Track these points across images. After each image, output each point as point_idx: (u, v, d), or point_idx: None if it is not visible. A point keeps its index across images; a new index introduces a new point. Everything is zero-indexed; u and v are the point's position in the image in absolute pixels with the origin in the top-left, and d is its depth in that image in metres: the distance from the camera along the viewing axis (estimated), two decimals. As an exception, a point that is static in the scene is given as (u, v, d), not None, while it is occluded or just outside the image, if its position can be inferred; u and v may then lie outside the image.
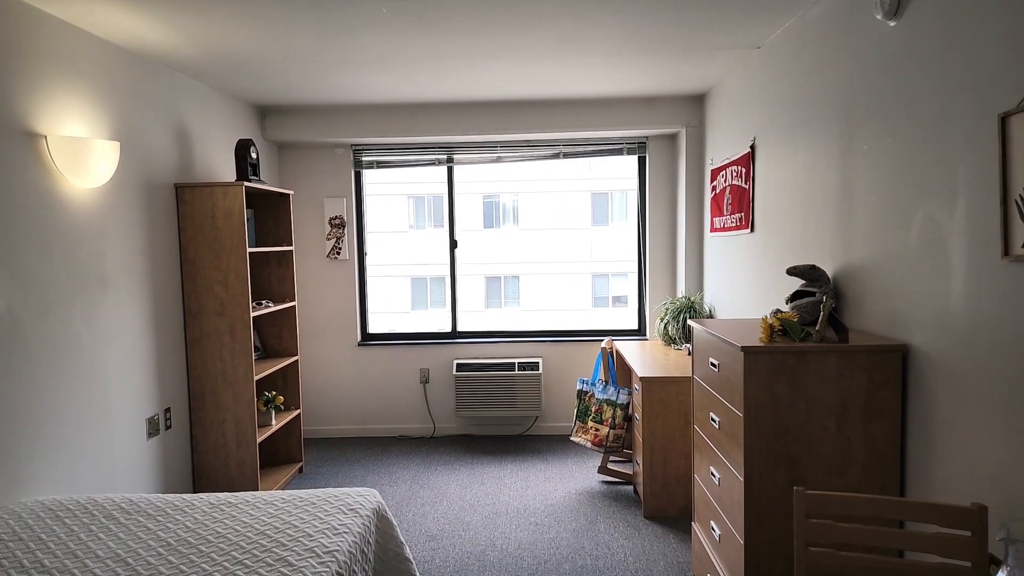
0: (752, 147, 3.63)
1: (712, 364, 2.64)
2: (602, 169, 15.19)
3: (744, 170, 3.76)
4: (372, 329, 5.42)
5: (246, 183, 3.73)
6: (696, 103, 4.71)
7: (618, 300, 15.35)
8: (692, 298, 4.53)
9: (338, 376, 5.27)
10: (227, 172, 4.29)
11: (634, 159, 5.18)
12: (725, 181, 4.11)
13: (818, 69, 2.85)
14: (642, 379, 3.62)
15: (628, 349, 4.43)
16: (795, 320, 2.42)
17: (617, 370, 4.53)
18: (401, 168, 5.22)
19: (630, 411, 4.07)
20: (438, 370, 5.24)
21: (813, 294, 2.73)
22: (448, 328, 5.36)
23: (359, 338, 5.28)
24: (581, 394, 4.27)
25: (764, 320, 2.37)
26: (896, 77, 2.26)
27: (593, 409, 4.16)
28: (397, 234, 14.75)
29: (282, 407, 4.22)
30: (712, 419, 2.66)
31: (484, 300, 15.39)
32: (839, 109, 2.67)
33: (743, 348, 2.25)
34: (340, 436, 5.30)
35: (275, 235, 4.42)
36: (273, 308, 4.13)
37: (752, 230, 3.66)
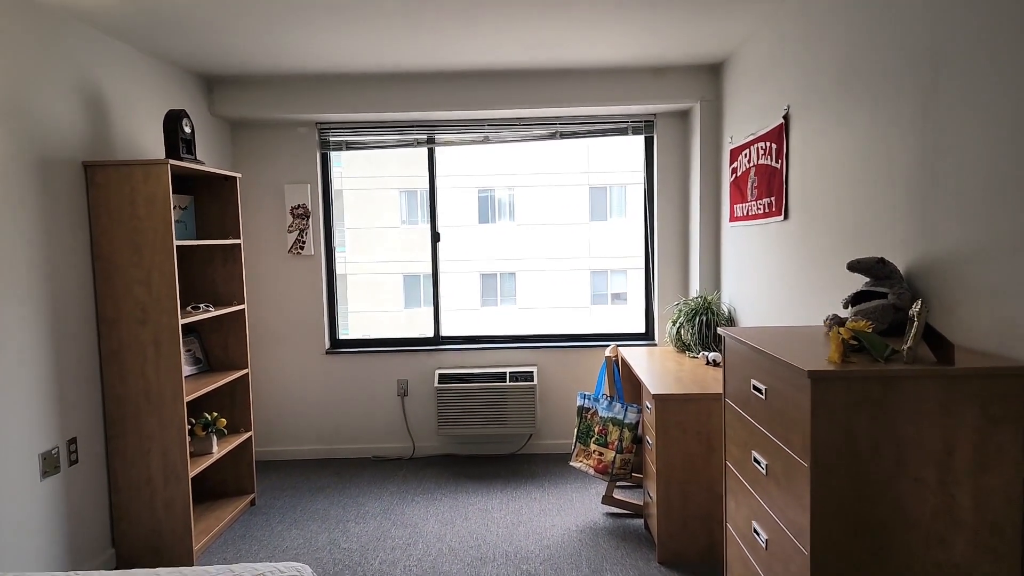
0: (785, 118, 2.99)
1: (756, 389, 2.00)
2: (601, 162, 14.58)
3: (774, 146, 3.12)
4: (343, 335, 4.77)
5: (174, 161, 3.07)
6: (711, 73, 4.06)
7: (617, 297, 14.75)
8: (709, 298, 3.89)
9: (302, 389, 4.62)
10: (158, 152, 3.63)
11: (640, 140, 4.54)
12: (749, 161, 3.46)
13: (885, 7, 2.20)
14: (655, 396, 2.98)
15: (636, 357, 3.78)
16: (869, 330, 1.78)
17: (624, 382, 3.88)
18: (374, 150, 4.57)
19: (640, 432, 3.43)
20: (418, 381, 4.59)
21: (883, 295, 2.09)
22: (430, 333, 4.71)
23: (327, 345, 4.63)
24: (582, 411, 3.62)
25: (834, 333, 1.72)
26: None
27: (596, 429, 3.52)
28: (388, 229, 14.13)
29: (225, 431, 3.56)
30: (756, 460, 2.02)
31: (479, 298, 14.79)
32: (917, 56, 2.03)
33: (811, 373, 1.60)
34: (305, 458, 4.65)
35: (220, 226, 3.77)
36: (214, 312, 3.48)
37: (785, 217, 3.01)
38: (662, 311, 4.47)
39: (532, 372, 4.40)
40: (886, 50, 2.20)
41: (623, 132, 4.43)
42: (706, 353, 3.60)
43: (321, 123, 4.50)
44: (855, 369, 1.63)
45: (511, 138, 4.46)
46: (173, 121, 3.29)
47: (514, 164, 14.74)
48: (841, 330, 1.75)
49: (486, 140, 4.47)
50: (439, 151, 4.64)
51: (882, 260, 2.06)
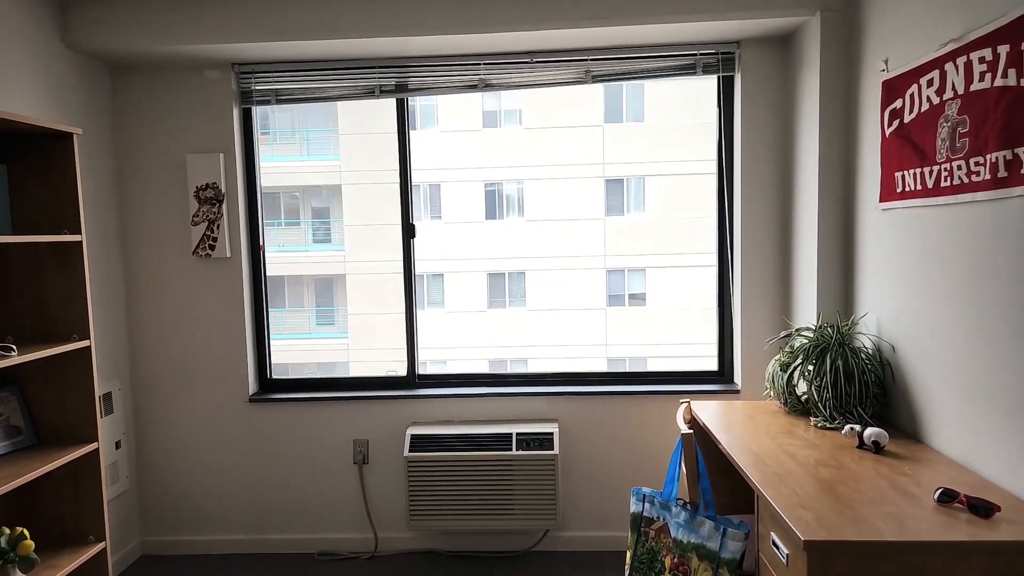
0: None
1: None
2: (618, 152, 13.17)
3: None
4: (277, 372, 3.32)
5: None
6: (834, -30, 2.58)
7: (635, 298, 13.36)
8: (842, 327, 2.40)
9: (215, 453, 3.17)
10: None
11: (712, 82, 3.05)
12: (939, 93, 1.97)
13: None
14: (810, 545, 1.50)
15: (721, 423, 2.31)
16: None
17: (708, 464, 2.39)
18: (318, 102, 3.11)
19: (746, 568, 1.96)
20: (383, 442, 3.13)
21: None
22: (403, 370, 3.24)
23: (253, 388, 3.18)
24: (641, 522, 2.15)
25: None
26: None
27: (668, 561, 2.05)
28: (391, 227, 12.78)
29: (36, 557, 2.10)
30: None
31: (487, 300, 13.46)
32: None
33: None
34: (222, 552, 3.20)
35: (50, 212, 2.33)
36: (16, 358, 2.03)
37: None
38: (747, 342, 2.98)
39: (551, 435, 2.91)
40: None
41: (689, 70, 2.94)
42: (854, 427, 2.10)
43: (240, 63, 3.04)
44: None
45: (520, 81, 2.99)
46: (-85, 22, 1.84)
47: (524, 154, 13.35)
48: None
49: (482, 85, 2.99)
50: (417, 108, 3.17)
51: None
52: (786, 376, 2.42)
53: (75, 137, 2.31)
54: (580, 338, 12.95)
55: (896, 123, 2.19)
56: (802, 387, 2.41)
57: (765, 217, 2.94)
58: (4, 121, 2.04)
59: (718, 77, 2.99)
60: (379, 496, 3.15)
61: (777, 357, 2.50)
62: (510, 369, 11.92)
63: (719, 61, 2.92)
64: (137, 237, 3.11)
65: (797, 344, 2.46)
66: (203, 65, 3.05)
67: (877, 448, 2.00)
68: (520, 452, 2.86)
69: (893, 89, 2.21)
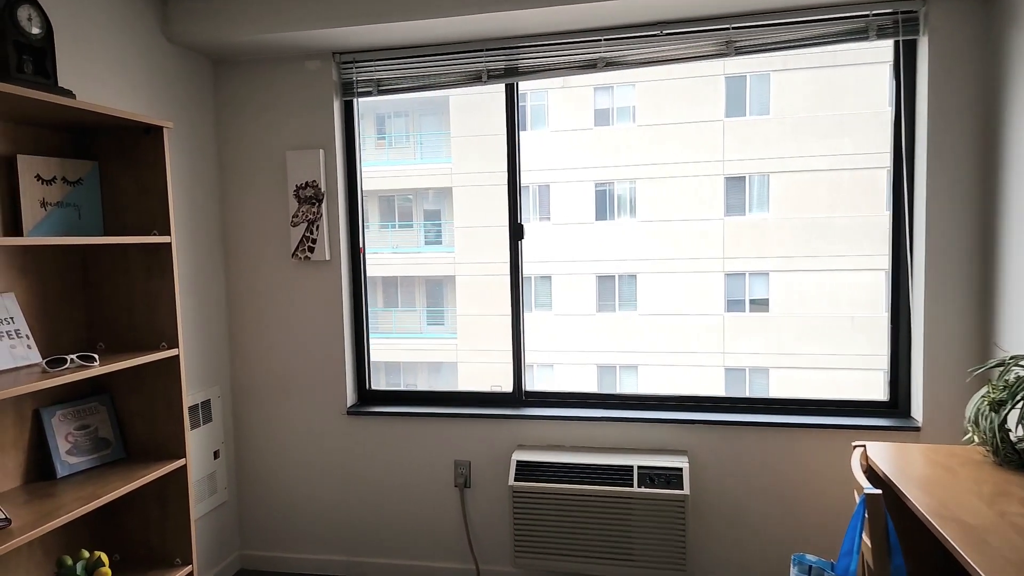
0: None
1: None
2: (738, 148, 12.33)
3: None
4: (388, 371, 3.10)
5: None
6: None
7: (756, 304, 12.43)
8: (1081, 357, 1.82)
9: (312, 466, 2.99)
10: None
11: (888, 50, 2.52)
12: None
13: None
14: None
15: (899, 470, 1.80)
16: None
17: (899, 530, 1.89)
18: (423, 92, 2.84)
19: None
20: (487, 464, 2.83)
21: None
22: (508, 385, 2.92)
23: (351, 401, 2.97)
24: (802, 601, 1.70)
25: None
26: None
27: (842, 658, 1.58)
28: (500, 228, 12.67)
29: (114, 587, 1.96)
30: None
31: (595, 303, 13.04)
32: None
33: None
34: (317, 572, 3.01)
35: (140, 212, 2.19)
36: (97, 368, 1.87)
37: None
38: (931, 369, 2.41)
39: (680, 470, 2.48)
40: None
41: (859, 35, 2.41)
42: (1115, 496, 1.54)
43: (341, 52, 2.84)
44: None
45: (646, 57, 2.58)
46: (-4, 7, 1.72)
47: (637, 152, 12.79)
48: None
49: (602, 64, 2.61)
50: (528, 109, 2.84)
51: None
52: (999, 418, 1.87)
53: (165, 131, 2.15)
54: (695, 345, 12.22)
55: None
56: (1020, 432, 1.85)
57: (959, 215, 2.36)
58: (90, 113, 1.91)
59: (895, 42, 2.44)
60: (481, 524, 2.84)
61: (984, 392, 1.95)
62: (619, 376, 11.42)
63: (898, 22, 2.38)
64: (238, 238, 2.99)
65: (1013, 377, 1.90)
66: (304, 55, 2.87)
67: None
68: (643, 489, 2.45)
69: None
